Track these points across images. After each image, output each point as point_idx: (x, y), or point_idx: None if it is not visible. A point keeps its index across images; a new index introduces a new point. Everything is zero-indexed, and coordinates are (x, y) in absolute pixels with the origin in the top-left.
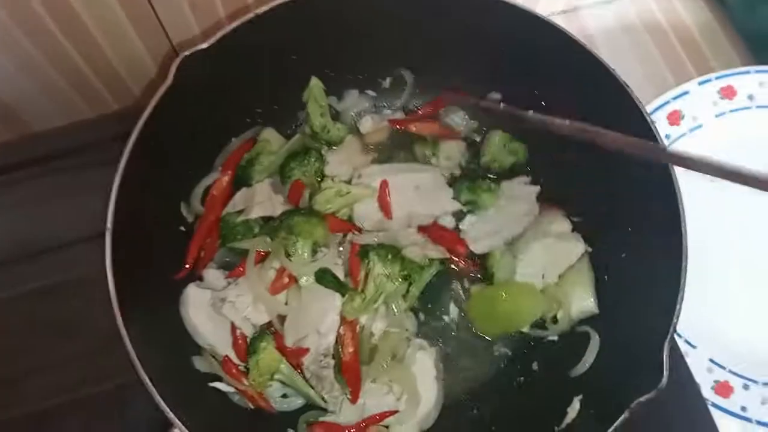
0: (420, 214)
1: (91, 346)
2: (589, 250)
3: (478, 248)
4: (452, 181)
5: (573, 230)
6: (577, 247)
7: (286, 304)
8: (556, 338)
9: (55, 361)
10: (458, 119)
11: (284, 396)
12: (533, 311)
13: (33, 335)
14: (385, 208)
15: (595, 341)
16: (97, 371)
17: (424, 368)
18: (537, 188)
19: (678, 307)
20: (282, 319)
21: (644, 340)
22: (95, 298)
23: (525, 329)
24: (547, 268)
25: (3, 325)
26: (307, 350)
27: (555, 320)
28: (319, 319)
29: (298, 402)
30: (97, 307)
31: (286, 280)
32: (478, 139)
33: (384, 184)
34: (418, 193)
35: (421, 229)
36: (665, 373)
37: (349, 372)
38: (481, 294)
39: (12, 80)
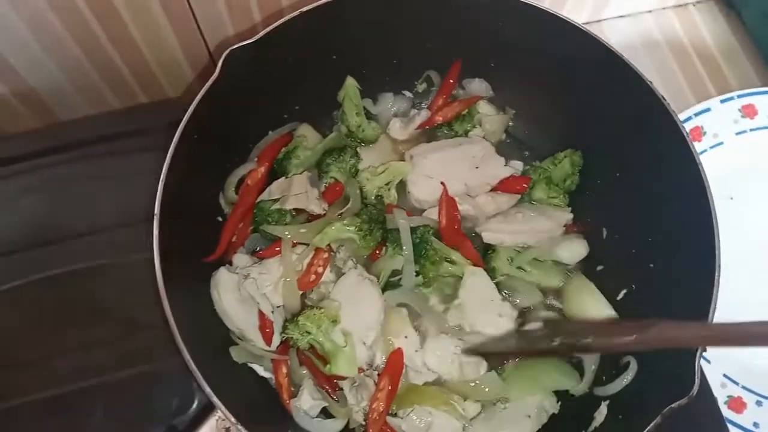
0: (476, 185)
1: (120, 330)
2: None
3: (487, 237)
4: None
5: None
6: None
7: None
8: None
9: (84, 344)
10: (476, 86)
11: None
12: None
13: (62, 318)
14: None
15: (633, 367)
16: (125, 355)
17: None
18: (570, 216)
19: (711, 315)
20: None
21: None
22: (125, 282)
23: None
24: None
25: (33, 307)
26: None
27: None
28: (363, 331)
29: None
30: (127, 292)
31: (313, 277)
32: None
33: (445, 194)
34: (471, 165)
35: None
36: (696, 381)
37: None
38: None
39: (51, 75)
